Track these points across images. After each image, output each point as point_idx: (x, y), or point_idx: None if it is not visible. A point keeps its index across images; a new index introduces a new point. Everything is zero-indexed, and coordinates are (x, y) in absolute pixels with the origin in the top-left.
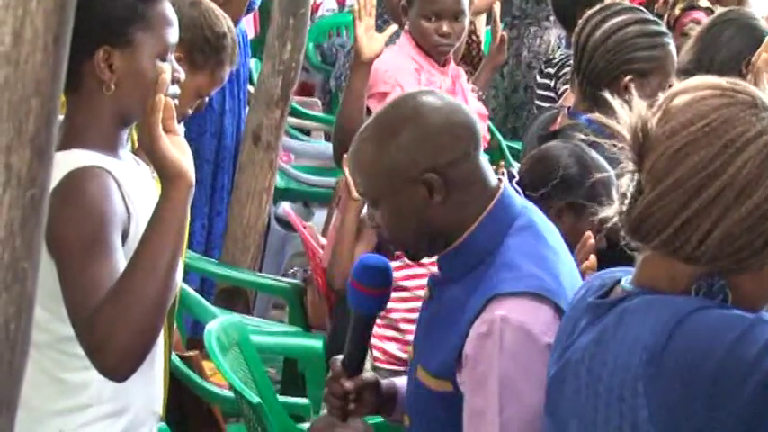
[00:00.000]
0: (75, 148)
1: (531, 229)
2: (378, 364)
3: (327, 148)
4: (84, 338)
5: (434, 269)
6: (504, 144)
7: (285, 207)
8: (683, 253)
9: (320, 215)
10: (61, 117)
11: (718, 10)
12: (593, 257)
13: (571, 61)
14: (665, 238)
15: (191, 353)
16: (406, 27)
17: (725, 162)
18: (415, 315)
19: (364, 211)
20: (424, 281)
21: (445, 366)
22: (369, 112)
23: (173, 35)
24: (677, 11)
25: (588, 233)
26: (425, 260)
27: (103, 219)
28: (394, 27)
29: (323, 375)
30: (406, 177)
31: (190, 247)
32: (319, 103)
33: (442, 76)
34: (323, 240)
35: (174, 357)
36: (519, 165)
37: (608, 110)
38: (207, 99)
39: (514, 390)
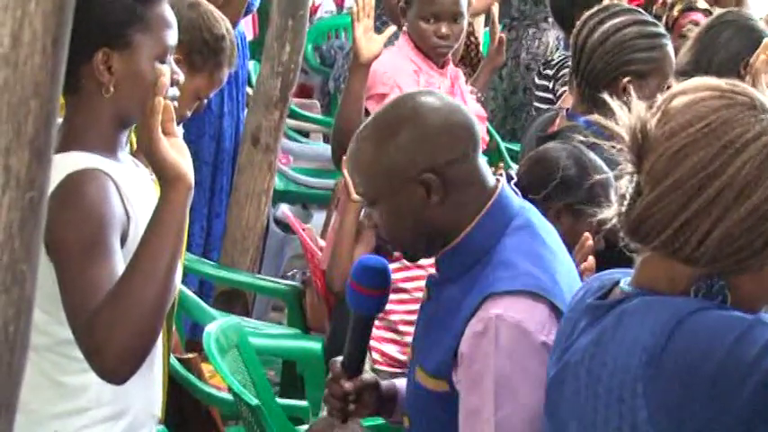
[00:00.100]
0: (74, 150)
1: (528, 229)
2: (377, 367)
3: (326, 149)
4: (83, 341)
5: (433, 271)
6: (503, 146)
7: (284, 209)
8: (683, 254)
9: (319, 217)
10: (60, 119)
11: (717, 11)
12: (591, 258)
13: (569, 63)
14: (664, 239)
15: (189, 355)
16: (405, 28)
17: (724, 163)
18: (414, 317)
19: (363, 212)
20: (423, 283)
21: (442, 366)
22: (367, 113)
23: (172, 37)
24: (675, 12)
25: (586, 234)
26: (424, 262)
27: (102, 221)
28: (393, 28)
29: (322, 377)
30: (405, 177)
31: (189, 249)
32: (318, 104)
33: (440, 77)
34: (322, 242)
35: (173, 360)
36: (517, 166)
37: (606, 111)
38: (205, 101)
39: (510, 388)
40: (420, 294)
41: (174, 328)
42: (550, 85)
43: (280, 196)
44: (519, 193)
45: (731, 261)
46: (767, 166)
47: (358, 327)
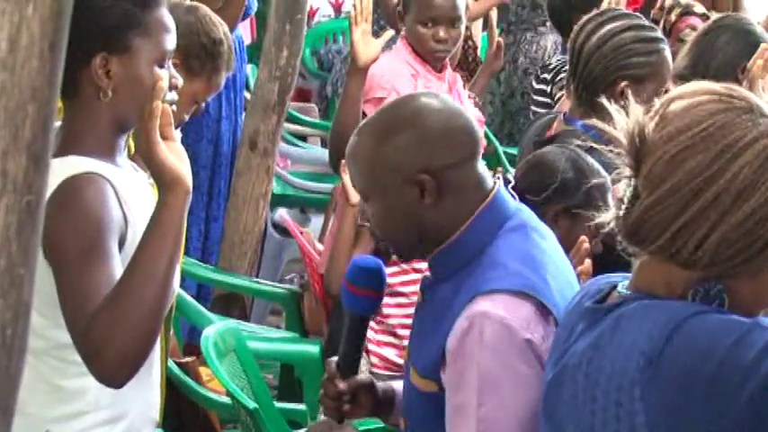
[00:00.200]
0: (73, 154)
1: (521, 231)
2: (375, 370)
3: (324, 154)
4: (82, 345)
5: None
6: (501, 150)
7: (282, 213)
8: (680, 258)
9: (317, 221)
10: (59, 123)
11: (714, 16)
12: (588, 262)
13: (567, 67)
14: (661, 242)
15: (187, 359)
16: (403, 32)
17: (721, 167)
18: None
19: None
20: None
21: (432, 365)
22: (365, 117)
23: (170, 41)
24: (673, 16)
25: (583, 237)
26: (423, 266)
27: (100, 225)
28: (390, 32)
29: (320, 381)
30: (400, 177)
31: (187, 253)
32: (316, 108)
33: (438, 81)
34: (320, 246)
35: (171, 363)
36: (515, 170)
37: (604, 115)
38: (203, 105)
39: (494, 384)
40: None
41: (171, 331)
42: (548, 90)
43: (278, 200)
44: (516, 197)
45: (729, 265)
46: (764, 169)
47: (353, 327)
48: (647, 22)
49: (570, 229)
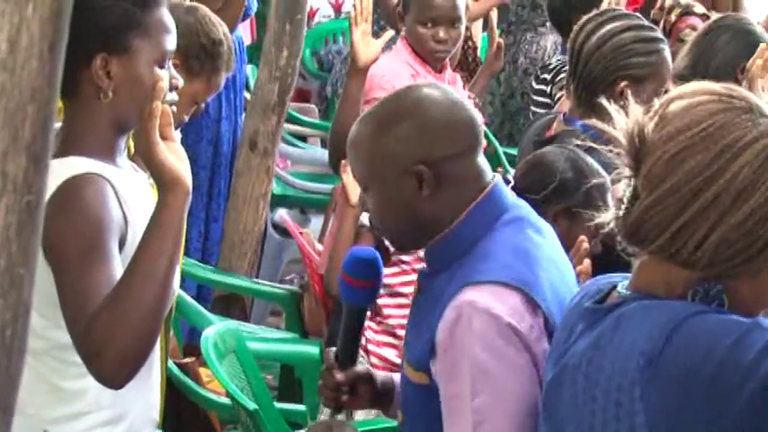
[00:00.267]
0: (73, 155)
1: (517, 224)
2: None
3: (324, 154)
4: (82, 345)
5: None
6: (501, 150)
7: (282, 213)
8: (680, 258)
9: (317, 221)
10: (59, 124)
11: (714, 16)
12: (587, 262)
13: (567, 67)
14: (661, 242)
15: (187, 360)
16: (403, 33)
17: (721, 167)
18: None
19: (362, 217)
20: None
21: (423, 357)
22: None
23: (171, 42)
24: (673, 17)
25: (582, 237)
26: (423, 266)
27: (101, 225)
28: (390, 33)
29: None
30: (398, 167)
31: (187, 253)
32: (316, 109)
33: (438, 82)
34: (319, 247)
35: (171, 364)
36: (514, 170)
37: (603, 115)
38: (203, 105)
39: (487, 374)
40: None
41: (171, 332)
42: (548, 90)
43: (277, 201)
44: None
45: (728, 265)
46: (764, 169)
47: (350, 319)
48: (646, 23)
49: (570, 229)
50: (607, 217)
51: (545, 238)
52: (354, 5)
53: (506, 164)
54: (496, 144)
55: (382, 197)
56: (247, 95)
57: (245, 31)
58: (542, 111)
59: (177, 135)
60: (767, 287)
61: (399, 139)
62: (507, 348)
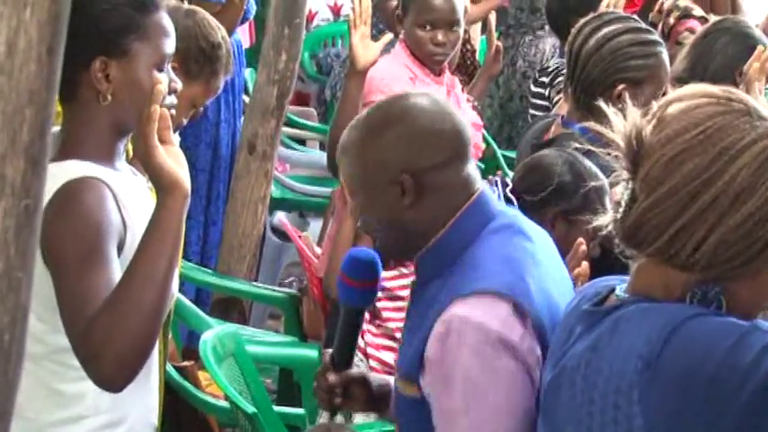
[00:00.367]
0: (72, 158)
1: (504, 232)
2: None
3: (323, 157)
4: (80, 348)
5: None
6: (500, 153)
7: (281, 217)
8: (678, 260)
9: (316, 225)
10: (57, 128)
11: (713, 18)
12: (585, 264)
13: (565, 70)
14: (659, 245)
15: (186, 363)
16: (402, 36)
17: (719, 169)
18: None
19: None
20: None
21: (412, 369)
22: None
23: (170, 45)
24: (672, 20)
25: (580, 240)
26: None
27: (99, 229)
28: (389, 36)
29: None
30: (382, 175)
31: (185, 257)
32: (315, 112)
33: (436, 85)
34: (318, 250)
35: (170, 368)
36: (513, 173)
37: (601, 118)
38: (202, 109)
39: (479, 389)
40: None
41: (170, 335)
42: (546, 93)
43: (276, 204)
44: (514, 200)
45: (727, 267)
46: (762, 172)
47: (348, 320)
48: (644, 25)
49: (568, 231)
50: (605, 220)
51: (535, 244)
52: (353, 8)
53: (505, 167)
54: (495, 147)
55: (367, 204)
56: (246, 99)
57: (243, 35)
58: (541, 114)
59: (176, 138)
60: (765, 289)
61: (383, 148)
62: (499, 361)
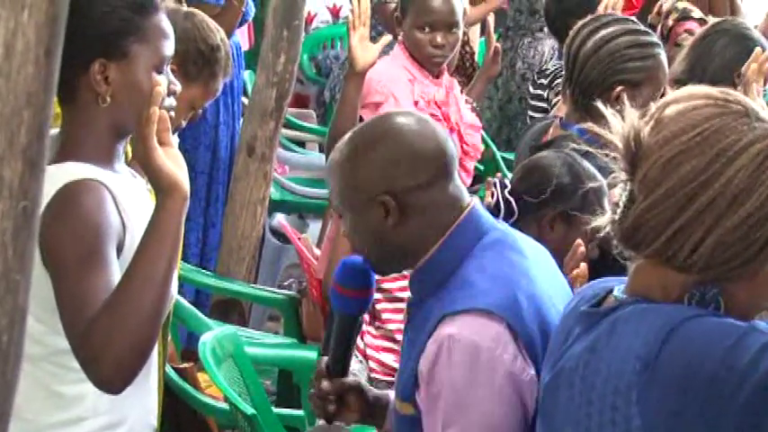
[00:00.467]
0: (71, 160)
1: (496, 248)
2: (374, 375)
3: (322, 159)
4: (80, 350)
5: None
6: (499, 155)
7: (280, 219)
8: (676, 261)
9: (315, 226)
10: (56, 130)
11: (712, 20)
12: (583, 265)
13: (564, 72)
14: (657, 246)
15: (185, 365)
16: (400, 38)
17: (717, 171)
18: None
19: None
20: None
21: (407, 388)
22: (362, 122)
23: (169, 47)
24: (671, 21)
25: (578, 241)
26: None
27: (99, 231)
28: (388, 37)
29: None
30: (365, 196)
31: (185, 259)
32: (314, 114)
33: (435, 86)
34: (318, 252)
35: (169, 369)
36: (512, 175)
37: (600, 120)
38: (201, 111)
39: (466, 405)
40: None
41: (169, 337)
42: (545, 95)
43: (276, 206)
44: (513, 202)
45: (724, 268)
46: (760, 173)
47: (342, 328)
48: (642, 27)
49: (566, 233)
50: (603, 221)
51: (528, 259)
52: (352, 10)
53: (504, 168)
54: (494, 148)
55: (354, 223)
56: (245, 101)
57: (242, 37)
58: (539, 115)
59: (175, 140)
60: (763, 290)
61: (366, 169)
62: (488, 380)
